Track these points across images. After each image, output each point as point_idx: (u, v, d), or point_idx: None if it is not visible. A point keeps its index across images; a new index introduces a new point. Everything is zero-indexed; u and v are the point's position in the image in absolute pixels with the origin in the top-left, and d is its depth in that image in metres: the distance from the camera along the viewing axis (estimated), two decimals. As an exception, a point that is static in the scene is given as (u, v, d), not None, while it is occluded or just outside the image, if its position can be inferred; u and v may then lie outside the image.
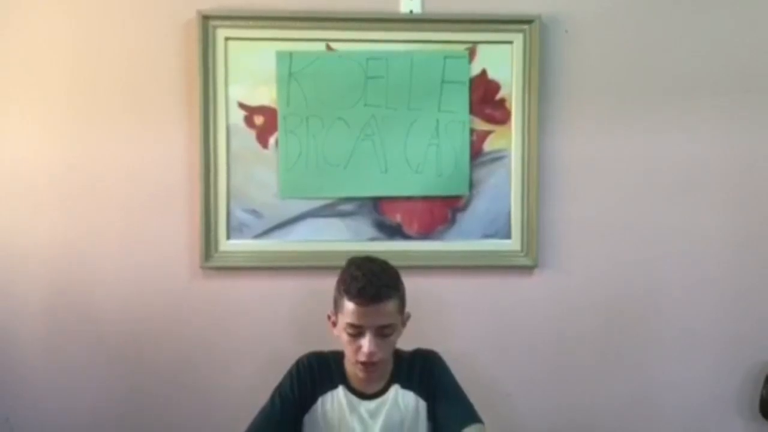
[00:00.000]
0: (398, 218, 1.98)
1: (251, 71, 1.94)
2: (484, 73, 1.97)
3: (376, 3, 1.95)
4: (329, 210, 1.97)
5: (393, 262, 1.59)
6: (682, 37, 2.00)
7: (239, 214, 1.95)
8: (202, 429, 1.98)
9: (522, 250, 1.99)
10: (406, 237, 1.98)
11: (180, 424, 1.98)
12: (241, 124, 1.95)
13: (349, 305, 1.49)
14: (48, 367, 1.97)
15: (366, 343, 1.48)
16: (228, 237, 1.95)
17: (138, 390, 1.98)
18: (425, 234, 1.98)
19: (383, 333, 1.50)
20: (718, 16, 2.00)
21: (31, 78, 1.92)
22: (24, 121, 1.93)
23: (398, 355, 1.62)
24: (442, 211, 1.99)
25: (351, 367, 1.58)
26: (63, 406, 1.97)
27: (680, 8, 2.00)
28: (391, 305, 1.50)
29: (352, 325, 1.49)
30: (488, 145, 1.98)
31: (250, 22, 1.92)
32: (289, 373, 1.62)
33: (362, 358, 1.49)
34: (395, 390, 1.60)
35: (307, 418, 1.60)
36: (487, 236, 1.99)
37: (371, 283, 1.47)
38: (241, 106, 1.94)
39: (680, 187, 2.01)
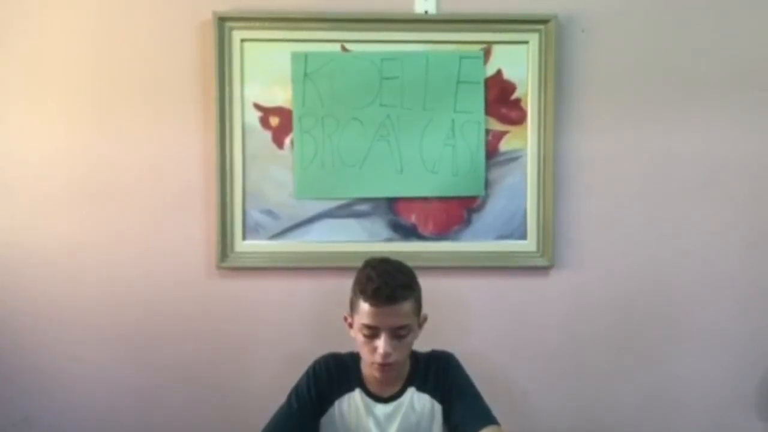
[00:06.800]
0: (413, 219, 1.98)
1: (267, 72, 1.94)
2: (499, 73, 1.96)
3: (390, 3, 1.95)
4: (344, 210, 1.97)
5: (408, 263, 1.59)
6: (698, 35, 1.98)
7: (255, 215, 1.96)
8: (219, 429, 1.99)
9: (538, 251, 1.98)
10: (421, 237, 1.98)
11: (196, 424, 2.00)
12: (257, 124, 1.95)
13: (364, 306, 1.49)
14: (66, 366, 1.98)
15: (381, 344, 1.48)
16: (244, 237, 1.96)
17: (154, 389, 1.99)
18: (440, 234, 1.98)
19: (398, 334, 1.50)
20: (734, 14, 1.98)
21: (47, 80, 1.94)
22: (41, 122, 1.94)
23: (414, 357, 1.62)
24: (458, 212, 1.98)
25: (367, 369, 1.59)
26: (81, 405, 1.99)
27: (696, 6, 1.98)
28: (406, 306, 1.50)
29: (367, 326, 1.49)
30: (504, 145, 1.97)
31: (266, 24, 1.93)
32: (306, 374, 1.62)
33: (378, 359, 1.49)
34: (411, 393, 1.60)
35: (324, 420, 1.60)
36: (502, 237, 1.98)
37: (386, 284, 1.47)
38: (257, 106, 1.95)
39: (697, 185, 2.00)
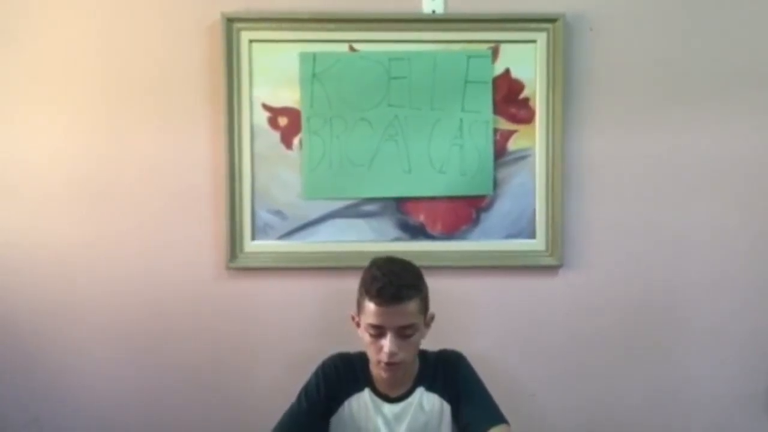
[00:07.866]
0: (422, 218, 1.98)
1: (275, 73, 1.95)
2: (507, 72, 1.96)
3: (398, 3, 1.95)
4: (353, 210, 1.97)
5: (416, 263, 1.59)
6: (707, 35, 1.97)
7: (264, 215, 1.96)
8: (228, 429, 2.00)
9: (546, 250, 1.97)
10: (429, 237, 1.98)
11: (205, 425, 2.00)
12: (265, 125, 1.96)
13: (369, 306, 1.49)
14: (76, 367, 1.99)
15: (387, 343, 1.48)
16: (253, 238, 1.96)
17: (163, 390, 2.00)
18: (449, 234, 1.98)
19: (404, 334, 1.50)
20: (745, 13, 1.97)
21: (56, 81, 1.95)
22: (49, 123, 1.95)
23: (423, 356, 1.63)
24: (466, 211, 1.98)
25: (375, 369, 1.59)
26: (91, 406, 2.00)
27: (706, 5, 1.97)
28: (411, 305, 1.50)
29: (372, 326, 1.49)
30: (512, 145, 1.97)
31: (274, 24, 1.93)
32: (315, 374, 1.63)
33: (383, 358, 1.49)
34: (420, 392, 1.61)
35: (334, 420, 1.61)
36: (511, 236, 1.98)
37: (391, 283, 1.48)
38: (265, 107, 1.95)
39: (705, 185, 1.99)
